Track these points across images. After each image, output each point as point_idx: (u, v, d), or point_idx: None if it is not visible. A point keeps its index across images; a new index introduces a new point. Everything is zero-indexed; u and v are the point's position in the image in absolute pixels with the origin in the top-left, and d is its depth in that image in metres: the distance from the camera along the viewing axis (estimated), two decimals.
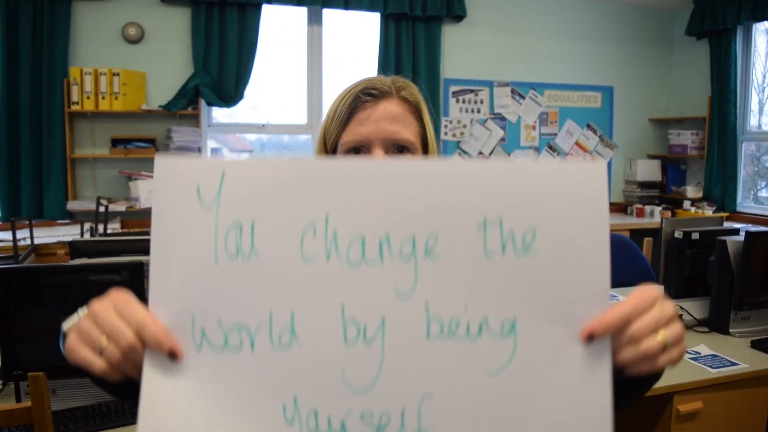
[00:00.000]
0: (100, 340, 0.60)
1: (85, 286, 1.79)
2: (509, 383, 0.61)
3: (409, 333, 0.61)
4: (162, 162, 0.61)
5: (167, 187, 0.61)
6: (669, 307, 0.64)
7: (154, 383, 0.61)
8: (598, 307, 0.61)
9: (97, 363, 0.61)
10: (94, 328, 0.61)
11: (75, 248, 2.21)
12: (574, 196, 0.61)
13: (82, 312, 0.67)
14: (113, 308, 0.61)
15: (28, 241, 3.89)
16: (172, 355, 0.60)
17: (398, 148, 0.94)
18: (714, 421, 2.17)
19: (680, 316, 2.52)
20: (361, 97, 0.94)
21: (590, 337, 0.60)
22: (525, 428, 0.62)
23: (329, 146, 0.98)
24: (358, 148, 0.94)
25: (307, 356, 0.61)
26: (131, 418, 1.74)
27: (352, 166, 0.62)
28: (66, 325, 0.69)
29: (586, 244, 0.61)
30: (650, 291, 0.63)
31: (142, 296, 1.78)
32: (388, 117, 0.93)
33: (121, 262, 1.83)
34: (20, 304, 1.76)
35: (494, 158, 0.68)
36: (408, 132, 0.94)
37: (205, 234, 0.61)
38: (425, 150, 0.97)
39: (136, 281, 1.78)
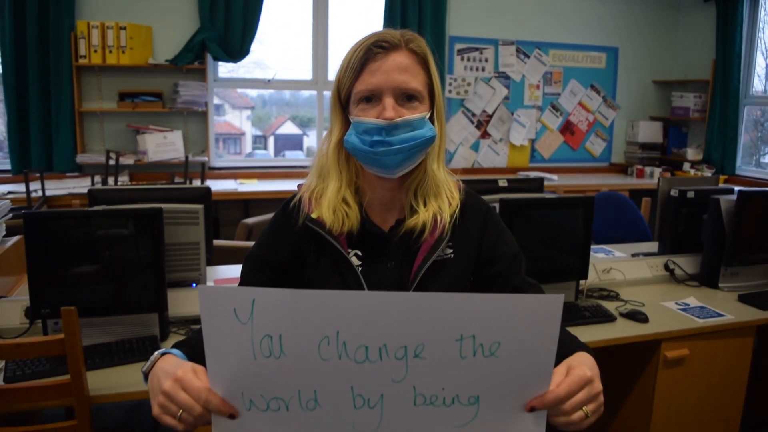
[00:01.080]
0: (178, 413, 0.83)
1: (104, 231, 1.89)
2: (473, 431, 0.85)
3: (401, 402, 0.83)
4: (204, 290, 0.80)
5: (212, 310, 0.80)
6: (596, 386, 0.85)
7: (221, 431, 0.85)
8: (540, 389, 0.83)
9: (179, 426, 0.84)
10: (171, 404, 0.83)
11: (93, 196, 2.30)
12: (534, 320, 0.79)
13: (153, 358, 0.91)
14: (181, 388, 0.83)
15: (40, 193, 3.98)
16: (231, 416, 0.84)
17: (407, 96, 1.01)
18: (699, 367, 2.29)
19: (672, 271, 2.63)
20: (373, 49, 1.01)
21: (532, 409, 0.83)
22: None
23: (343, 95, 1.05)
24: (370, 96, 1.01)
25: (328, 415, 0.84)
26: (152, 353, 1.86)
27: (357, 296, 0.81)
28: (145, 368, 0.92)
29: (537, 353, 0.81)
30: (583, 375, 0.84)
31: (161, 241, 1.89)
32: (397, 68, 1.00)
33: (142, 207, 1.92)
34: (46, 248, 1.85)
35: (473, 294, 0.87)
36: (416, 82, 1.02)
37: (245, 341, 0.80)
38: (432, 98, 1.06)
39: (156, 225, 1.88)
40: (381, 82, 1.00)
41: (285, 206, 1.12)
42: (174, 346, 0.95)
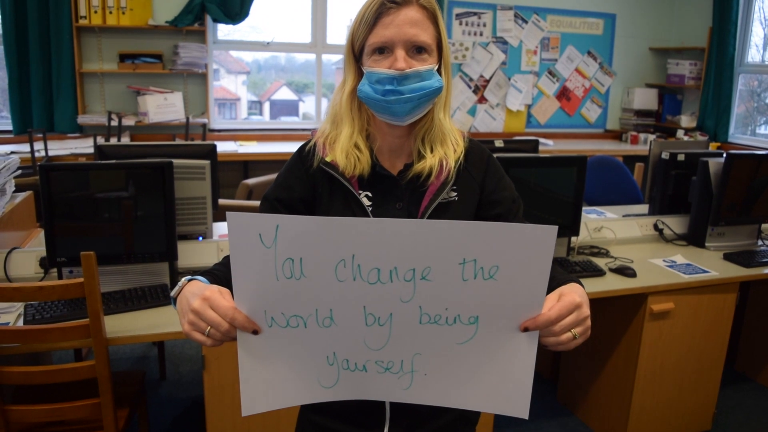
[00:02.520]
0: (206, 329, 0.90)
1: (116, 184, 1.97)
2: (471, 349, 0.94)
3: (408, 321, 0.91)
4: (233, 217, 0.86)
5: (239, 234, 0.87)
6: (584, 311, 0.93)
7: (245, 345, 0.93)
8: (533, 312, 0.91)
9: (207, 341, 0.92)
10: (200, 321, 0.90)
11: (102, 152, 2.37)
12: (529, 247, 0.86)
13: (181, 283, 0.98)
14: (209, 306, 0.90)
15: (42, 153, 4.02)
16: (255, 332, 0.92)
17: (417, 48, 1.08)
18: (684, 320, 2.41)
19: (661, 231, 2.72)
20: (386, 4, 1.08)
21: (525, 329, 0.92)
22: (480, 372, 0.95)
23: (356, 48, 1.13)
24: (383, 48, 1.08)
25: (341, 331, 0.92)
26: (164, 299, 1.96)
27: (370, 222, 0.88)
28: (173, 293, 0.98)
29: (532, 278, 0.88)
30: (573, 300, 0.91)
31: (171, 194, 1.99)
32: (409, 22, 1.07)
33: (153, 161, 1.99)
34: (58, 201, 1.93)
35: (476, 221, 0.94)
36: (426, 35, 1.09)
37: (268, 263, 0.87)
38: (439, 51, 1.13)
39: (167, 178, 1.96)
40: (393, 35, 1.07)
41: (300, 150, 1.19)
42: (199, 275, 1.03)
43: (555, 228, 0.85)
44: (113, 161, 2.07)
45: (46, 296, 1.67)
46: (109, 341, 1.76)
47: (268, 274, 0.88)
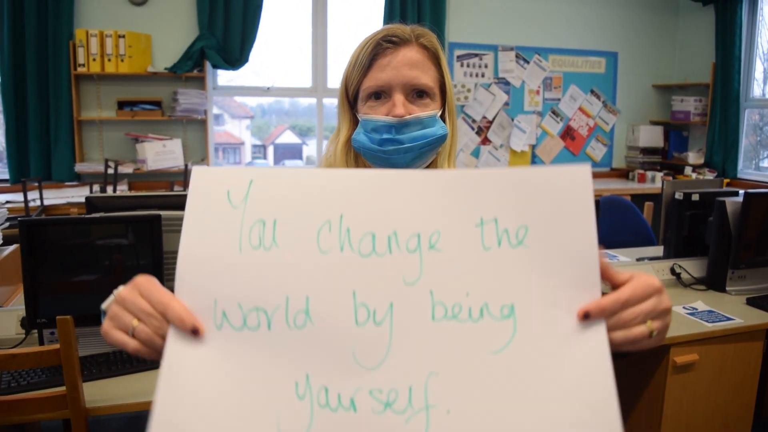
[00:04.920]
0: (131, 323, 0.67)
1: (102, 239, 1.86)
2: (512, 360, 0.65)
3: (415, 315, 0.66)
4: (198, 171, 0.69)
5: (201, 191, 0.68)
6: (665, 300, 0.68)
7: (176, 355, 0.66)
8: (590, 290, 0.66)
9: (131, 343, 0.67)
10: (124, 313, 0.68)
11: (91, 204, 2.27)
12: (562, 196, 0.66)
13: (115, 292, 0.72)
14: (139, 293, 0.68)
15: (38, 202, 3.95)
16: (194, 332, 0.66)
17: (417, 92, 0.98)
18: (709, 372, 2.25)
19: (678, 275, 2.59)
20: (382, 44, 0.98)
21: (585, 316, 0.65)
22: (531, 402, 0.64)
23: (351, 93, 1.02)
24: (379, 93, 0.98)
25: (320, 335, 0.66)
26: (151, 363, 1.81)
27: (364, 174, 0.70)
28: (104, 305, 0.72)
29: (575, 237, 0.66)
30: (651, 282, 0.68)
31: (159, 249, 1.85)
32: (408, 63, 0.97)
33: (140, 214, 1.88)
34: (42, 257, 1.82)
35: (489, 167, 0.74)
36: (427, 77, 0.98)
37: (232, 228, 0.68)
38: (443, 95, 1.02)
39: (155, 232, 1.84)
40: (390, 78, 0.96)
41: None
42: None
43: (588, 165, 0.67)
44: (98, 215, 1.96)
45: (19, 365, 1.54)
46: (89, 411, 1.62)
47: (229, 242, 0.67)
